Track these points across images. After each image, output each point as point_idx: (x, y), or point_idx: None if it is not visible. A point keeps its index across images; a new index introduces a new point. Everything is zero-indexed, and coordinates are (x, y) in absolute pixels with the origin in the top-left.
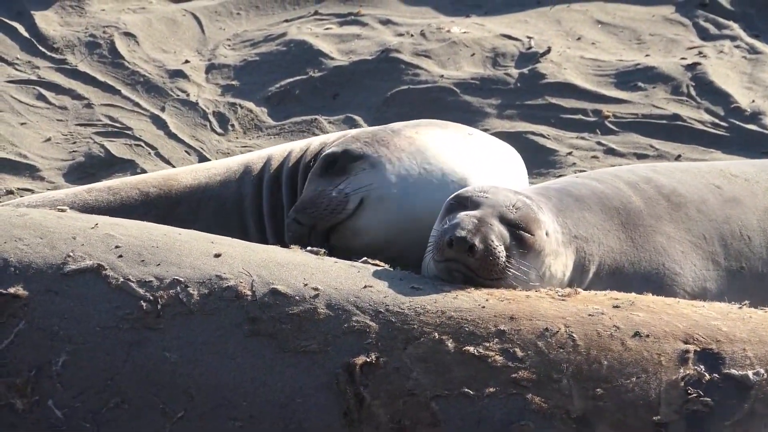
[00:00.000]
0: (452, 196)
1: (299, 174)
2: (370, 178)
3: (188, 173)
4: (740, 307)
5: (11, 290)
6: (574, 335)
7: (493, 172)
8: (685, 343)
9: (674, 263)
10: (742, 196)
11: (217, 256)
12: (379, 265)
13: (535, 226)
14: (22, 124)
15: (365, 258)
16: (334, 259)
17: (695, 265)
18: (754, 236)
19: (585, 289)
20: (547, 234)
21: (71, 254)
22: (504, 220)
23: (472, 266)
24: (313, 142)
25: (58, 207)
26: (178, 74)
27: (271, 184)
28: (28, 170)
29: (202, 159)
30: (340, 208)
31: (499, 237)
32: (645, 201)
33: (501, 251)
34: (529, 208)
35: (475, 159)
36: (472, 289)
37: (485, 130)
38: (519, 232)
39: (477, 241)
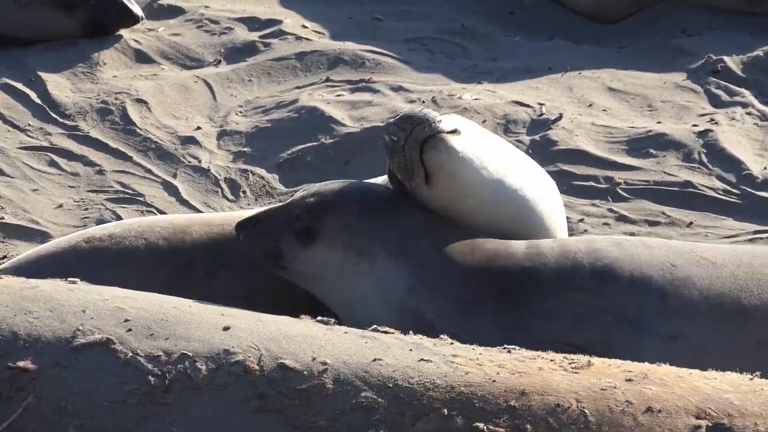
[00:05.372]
0: None
1: None
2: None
3: (202, 226)
4: (751, 379)
5: (20, 364)
6: (586, 411)
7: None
8: (697, 418)
9: None
10: (695, 277)
11: (226, 329)
12: (389, 332)
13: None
14: (34, 190)
15: (375, 326)
16: (344, 328)
17: None
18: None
19: None
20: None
21: (80, 328)
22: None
23: None
24: None
25: (69, 279)
26: (189, 141)
27: None
28: (40, 236)
29: None
30: (436, 120)
31: None
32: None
33: None
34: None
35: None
36: (484, 361)
37: None
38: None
39: None
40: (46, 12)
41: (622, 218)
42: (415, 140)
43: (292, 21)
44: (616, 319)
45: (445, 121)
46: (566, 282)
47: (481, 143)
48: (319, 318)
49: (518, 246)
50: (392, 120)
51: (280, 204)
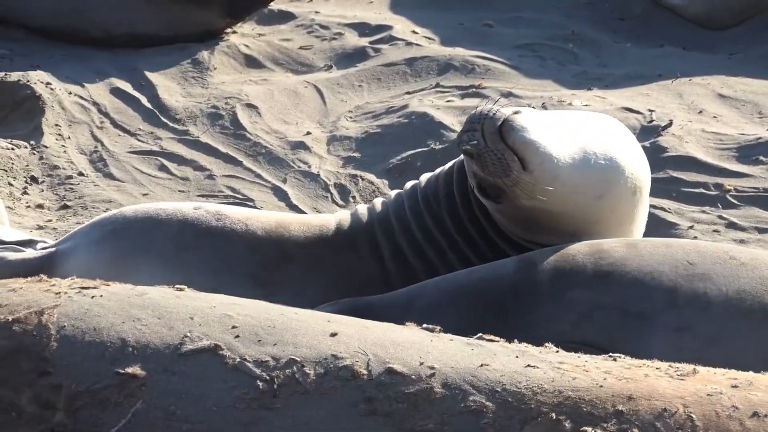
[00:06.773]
0: None
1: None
2: None
3: (301, 225)
4: None
5: (129, 370)
6: (693, 415)
7: None
8: None
9: None
10: (715, 274)
11: (333, 335)
12: (494, 340)
13: None
14: (144, 194)
15: (480, 334)
16: (449, 336)
17: None
18: (714, 306)
19: None
20: None
21: (188, 334)
22: None
23: None
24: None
25: (177, 286)
26: (299, 146)
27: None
28: None
29: None
30: (494, 109)
31: None
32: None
33: None
34: None
35: None
36: (590, 367)
37: None
38: None
39: None
40: (179, 8)
41: (731, 225)
42: (491, 132)
43: (402, 27)
44: (620, 314)
45: (503, 108)
46: (564, 284)
47: (542, 112)
48: (424, 326)
49: (509, 262)
50: (461, 131)
51: None
